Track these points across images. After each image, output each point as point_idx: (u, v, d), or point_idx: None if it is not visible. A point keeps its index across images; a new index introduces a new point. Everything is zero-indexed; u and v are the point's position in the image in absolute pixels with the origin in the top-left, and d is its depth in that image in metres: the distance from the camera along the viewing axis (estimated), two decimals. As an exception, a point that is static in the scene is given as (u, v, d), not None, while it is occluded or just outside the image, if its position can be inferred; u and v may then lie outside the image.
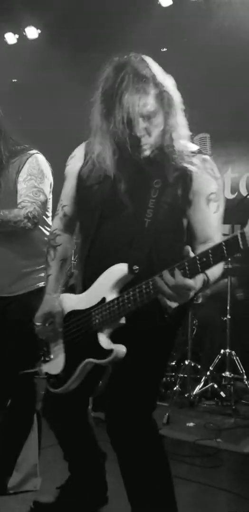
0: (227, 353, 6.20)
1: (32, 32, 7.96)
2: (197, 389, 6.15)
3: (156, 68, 2.58)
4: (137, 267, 2.45)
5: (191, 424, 5.44)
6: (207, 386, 6.18)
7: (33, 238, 3.36)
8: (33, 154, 3.57)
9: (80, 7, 7.19)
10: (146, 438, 2.64)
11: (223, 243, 2.09)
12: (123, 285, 2.51)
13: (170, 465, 2.72)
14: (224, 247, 2.09)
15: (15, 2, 7.32)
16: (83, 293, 2.71)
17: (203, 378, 6.23)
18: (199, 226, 2.59)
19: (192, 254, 2.19)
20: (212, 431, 5.22)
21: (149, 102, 2.48)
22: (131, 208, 2.60)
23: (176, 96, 2.62)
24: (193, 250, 2.25)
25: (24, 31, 7.97)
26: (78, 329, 2.67)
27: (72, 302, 2.76)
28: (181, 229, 2.65)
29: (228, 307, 6.36)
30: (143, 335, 2.57)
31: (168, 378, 6.51)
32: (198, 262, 2.16)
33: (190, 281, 2.20)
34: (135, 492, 2.66)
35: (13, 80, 8.31)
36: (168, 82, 2.59)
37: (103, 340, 2.55)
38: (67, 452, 3.19)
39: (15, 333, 3.14)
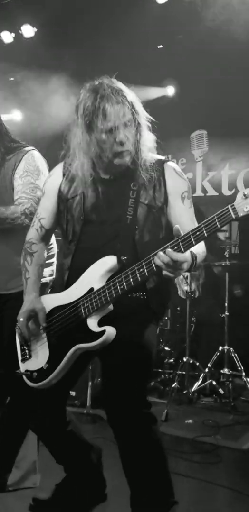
0: (225, 350, 6.20)
1: (28, 31, 7.94)
2: (195, 386, 6.15)
3: (123, 86, 2.83)
4: (125, 257, 2.71)
5: (190, 421, 5.45)
6: (205, 383, 6.19)
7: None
8: (29, 150, 3.58)
9: (76, 4, 7.17)
10: (145, 429, 2.70)
11: (216, 216, 2.40)
12: (112, 275, 2.71)
13: (167, 458, 2.77)
14: (216, 220, 2.39)
15: (11, 0, 7.32)
16: (68, 289, 2.86)
17: (201, 375, 6.24)
18: (177, 221, 2.79)
19: (181, 233, 2.46)
20: (210, 428, 5.24)
21: (127, 112, 2.75)
22: (113, 208, 2.86)
23: (143, 111, 2.88)
24: None
25: (20, 30, 7.94)
26: (65, 320, 2.80)
27: (55, 300, 2.92)
28: (159, 225, 2.89)
29: (226, 304, 6.35)
30: (129, 325, 2.74)
31: (166, 375, 6.53)
32: (191, 236, 2.43)
33: (180, 255, 2.43)
34: (134, 483, 2.71)
35: (10, 79, 8.29)
36: (135, 98, 2.84)
37: (93, 324, 2.69)
38: (55, 457, 3.20)
39: (12, 331, 3.13)
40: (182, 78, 7.81)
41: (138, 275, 2.57)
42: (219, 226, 2.39)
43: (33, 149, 3.62)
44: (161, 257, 2.44)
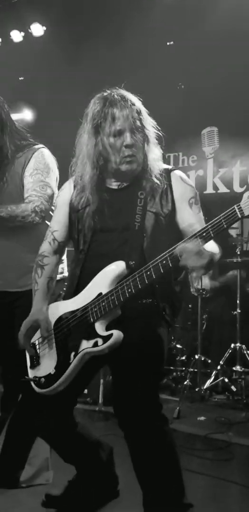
0: (238, 347, 6.17)
1: (37, 29, 7.97)
2: (207, 384, 6.14)
3: (131, 96, 2.91)
4: (133, 262, 2.74)
5: (202, 418, 5.45)
6: (217, 380, 6.17)
7: (40, 232, 3.35)
8: (39, 148, 3.58)
9: (84, 3, 7.18)
10: (155, 428, 2.67)
11: (222, 217, 2.44)
12: (121, 280, 2.71)
13: (179, 456, 2.73)
14: (223, 220, 2.44)
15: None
16: (76, 296, 2.87)
17: (214, 372, 6.23)
18: (187, 224, 2.87)
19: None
20: (223, 425, 5.23)
21: (135, 118, 2.83)
22: (122, 216, 2.89)
23: (150, 120, 2.95)
24: None
25: (30, 29, 7.98)
26: (73, 324, 2.82)
27: (63, 307, 2.93)
28: (166, 233, 2.88)
29: (238, 301, 6.33)
30: (139, 329, 2.75)
31: (178, 373, 6.53)
32: (198, 237, 2.48)
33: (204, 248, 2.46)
34: (145, 482, 2.68)
35: (20, 78, 8.30)
36: (142, 107, 2.92)
37: (100, 329, 2.69)
38: (63, 457, 3.22)
39: None
40: (192, 75, 7.78)
41: (145, 277, 2.59)
42: (225, 226, 2.44)
43: (43, 147, 3.62)
44: (182, 248, 2.47)
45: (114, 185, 2.97)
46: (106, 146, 2.83)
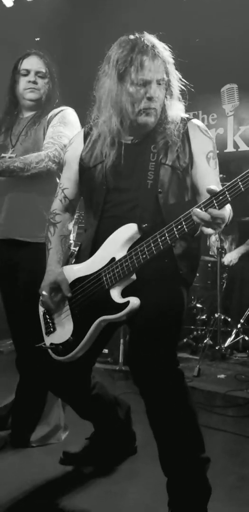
0: (258, 305, 6.15)
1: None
2: (228, 342, 6.15)
3: (159, 44, 2.73)
4: (145, 224, 2.62)
5: (222, 376, 5.48)
6: (238, 339, 6.19)
7: (56, 184, 3.34)
8: (67, 108, 3.69)
9: None
10: (171, 385, 2.61)
11: (239, 179, 2.28)
12: (133, 244, 2.63)
13: (196, 411, 2.71)
14: (240, 183, 2.28)
15: None
16: (88, 260, 2.80)
17: (234, 330, 6.23)
18: (202, 182, 2.74)
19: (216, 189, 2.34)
20: (243, 382, 5.24)
21: (161, 70, 2.68)
22: (134, 174, 2.77)
23: (176, 73, 2.80)
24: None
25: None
26: (88, 291, 2.73)
27: (76, 271, 2.83)
28: (184, 187, 2.79)
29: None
30: (156, 290, 2.67)
31: (199, 332, 6.53)
32: (214, 200, 2.33)
33: (219, 212, 2.32)
34: (162, 437, 2.64)
35: (36, 39, 8.20)
36: (170, 58, 2.75)
37: (116, 296, 2.62)
38: (80, 415, 3.24)
39: (28, 286, 3.18)
40: (211, 31, 7.62)
41: (160, 243, 2.49)
42: (243, 189, 2.29)
43: (68, 108, 3.70)
44: (200, 214, 2.33)
45: (128, 139, 2.82)
46: (129, 95, 2.67)
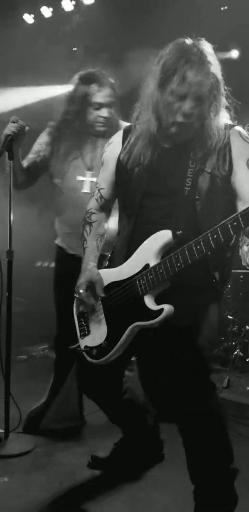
0: None
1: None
2: (258, 354, 6.12)
3: (212, 57, 2.65)
4: (180, 231, 2.56)
5: (252, 388, 5.44)
6: (268, 351, 6.15)
7: None
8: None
9: None
10: (203, 395, 2.62)
11: None
12: (167, 250, 2.60)
13: (227, 421, 2.73)
14: None
15: None
16: (123, 265, 2.79)
17: (265, 343, 6.20)
18: (243, 188, 2.65)
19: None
20: (273, 395, 5.19)
21: (205, 86, 2.58)
22: (172, 180, 2.72)
23: (222, 86, 2.71)
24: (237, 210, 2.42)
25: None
26: (122, 296, 2.73)
27: (110, 276, 2.84)
28: (223, 195, 2.71)
29: None
30: (190, 298, 2.64)
31: (229, 343, 6.52)
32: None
33: None
34: (191, 445, 2.65)
35: (73, 49, 8.30)
36: (218, 70, 2.68)
37: (150, 302, 2.62)
38: (110, 419, 3.29)
39: None
40: (247, 40, 7.60)
41: (195, 251, 2.44)
42: None
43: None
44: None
45: (166, 144, 2.76)
46: (166, 103, 2.62)
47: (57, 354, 3.96)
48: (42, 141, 3.96)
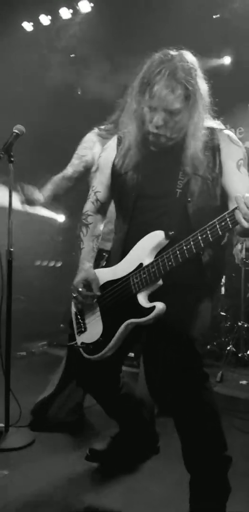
0: None
1: (85, 6, 8.03)
2: (250, 349, 6.24)
3: (194, 70, 2.69)
4: (173, 232, 2.63)
5: (244, 382, 5.58)
6: (260, 346, 6.26)
7: None
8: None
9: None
10: (197, 386, 2.71)
11: None
12: (160, 250, 2.68)
13: (219, 412, 2.79)
14: None
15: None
16: (118, 264, 2.88)
17: (257, 338, 6.31)
18: (233, 188, 2.71)
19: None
20: (265, 388, 5.30)
21: (176, 101, 2.62)
22: (163, 182, 2.79)
23: (204, 96, 2.74)
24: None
25: (77, 6, 8.03)
26: (116, 295, 2.81)
27: (106, 275, 2.92)
28: (214, 197, 2.77)
29: None
30: (183, 296, 2.72)
31: (223, 339, 6.63)
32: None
33: None
34: (187, 435, 2.74)
35: (71, 55, 8.37)
36: (200, 80, 2.71)
37: (143, 300, 2.71)
38: (109, 414, 3.37)
39: None
40: (239, 47, 7.72)
41: (185, 251, 2.52)
42: None
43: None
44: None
45: (153, 147, 2.78)
46: (141, 114, 2.71)
47: (69, 352, 4.04)
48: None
